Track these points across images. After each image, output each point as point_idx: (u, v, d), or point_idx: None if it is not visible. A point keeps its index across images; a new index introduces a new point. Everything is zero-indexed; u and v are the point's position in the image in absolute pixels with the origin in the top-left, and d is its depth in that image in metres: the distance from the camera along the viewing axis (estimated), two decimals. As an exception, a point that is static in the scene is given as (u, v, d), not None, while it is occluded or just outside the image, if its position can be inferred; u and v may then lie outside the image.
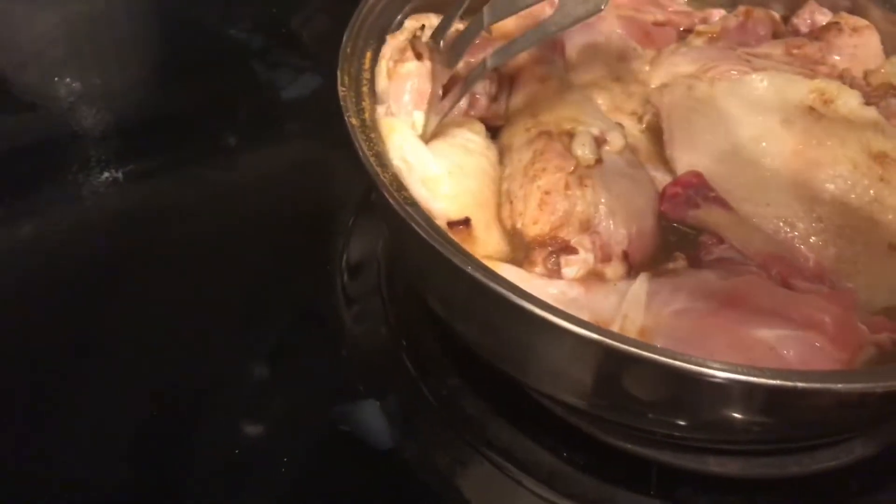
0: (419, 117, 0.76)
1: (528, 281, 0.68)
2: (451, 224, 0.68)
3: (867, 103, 0.81)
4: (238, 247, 0.85)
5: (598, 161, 0.74)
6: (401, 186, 0.65)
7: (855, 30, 0.89)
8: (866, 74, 0.89)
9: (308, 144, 0.95)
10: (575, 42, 0.93)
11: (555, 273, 0.69)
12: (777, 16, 0.96)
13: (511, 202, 0.73)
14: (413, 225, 0.60)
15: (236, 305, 0.79)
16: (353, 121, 0.67)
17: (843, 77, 0.88)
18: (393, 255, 0.81)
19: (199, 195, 0.90)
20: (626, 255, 0.70)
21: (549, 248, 0.70)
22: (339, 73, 0.70)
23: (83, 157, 0.93)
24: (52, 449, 0.68)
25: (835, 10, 0.93)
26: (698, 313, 0.65)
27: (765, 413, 0.59)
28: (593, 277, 0.69)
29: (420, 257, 0.67)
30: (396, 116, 0.75)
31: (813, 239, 0.73)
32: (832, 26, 0.89)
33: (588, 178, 0.72)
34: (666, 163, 0.81)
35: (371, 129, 0.69)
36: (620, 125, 0.83)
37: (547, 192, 0.71)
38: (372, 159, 0.66)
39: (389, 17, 0.79)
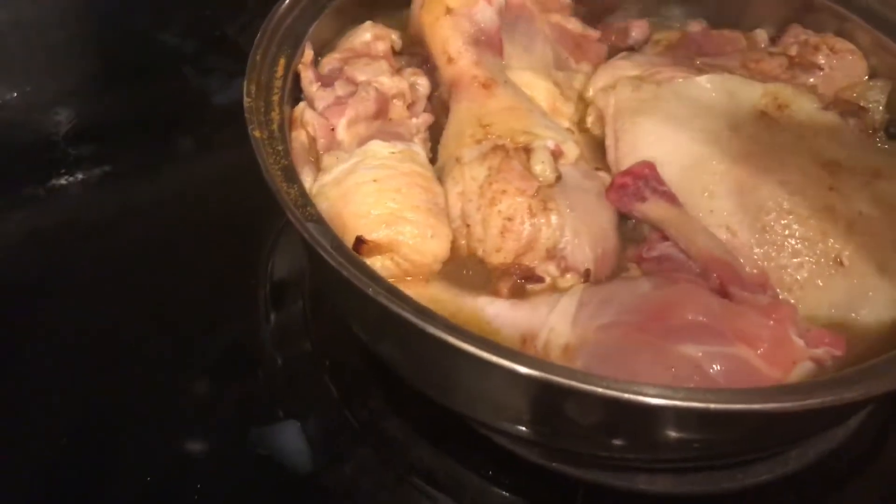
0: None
1: (455, 298, 0.65)
2: (355, 246, 0.62)
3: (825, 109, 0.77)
4: (160, 262, 0.81)
5: (558, 177, 0.70)
6: (307, 202, 0.61)
7: (833, 50, 0.83)
8: (836, 93, 0.83)
9: (239, 152, 0.92)
10: (514, 41, 0.90)
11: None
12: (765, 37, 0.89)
13: (468, 225, 0.68)
14: (313, 244, 0.57)
15: (152, 327, 0.76)
16: (257, 133, 0.64)
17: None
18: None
19: (123, 209, 0.87)
20: (587, 273, 0.67)
21: (514, 277, 0.66)
22: (244, 84, 0.67)
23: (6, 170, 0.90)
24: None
25: (821, 31, 0.87)
26: (624, 328, 0.62)
27: (685, 432, 0.57)
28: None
29: (327, 278, 0.64)
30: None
31: (757, 250, 0.69)
32: (817, 46, 0.84)
33: (551, 201, 0.67)
34: (607, 169, 0.77)
35: (279, 140, 0.66)
36: (571, 131, 0.79)
37: (509, 219, 0.67)
38: (279, 173, 0.63)
39: (305, 23, 0.75)
